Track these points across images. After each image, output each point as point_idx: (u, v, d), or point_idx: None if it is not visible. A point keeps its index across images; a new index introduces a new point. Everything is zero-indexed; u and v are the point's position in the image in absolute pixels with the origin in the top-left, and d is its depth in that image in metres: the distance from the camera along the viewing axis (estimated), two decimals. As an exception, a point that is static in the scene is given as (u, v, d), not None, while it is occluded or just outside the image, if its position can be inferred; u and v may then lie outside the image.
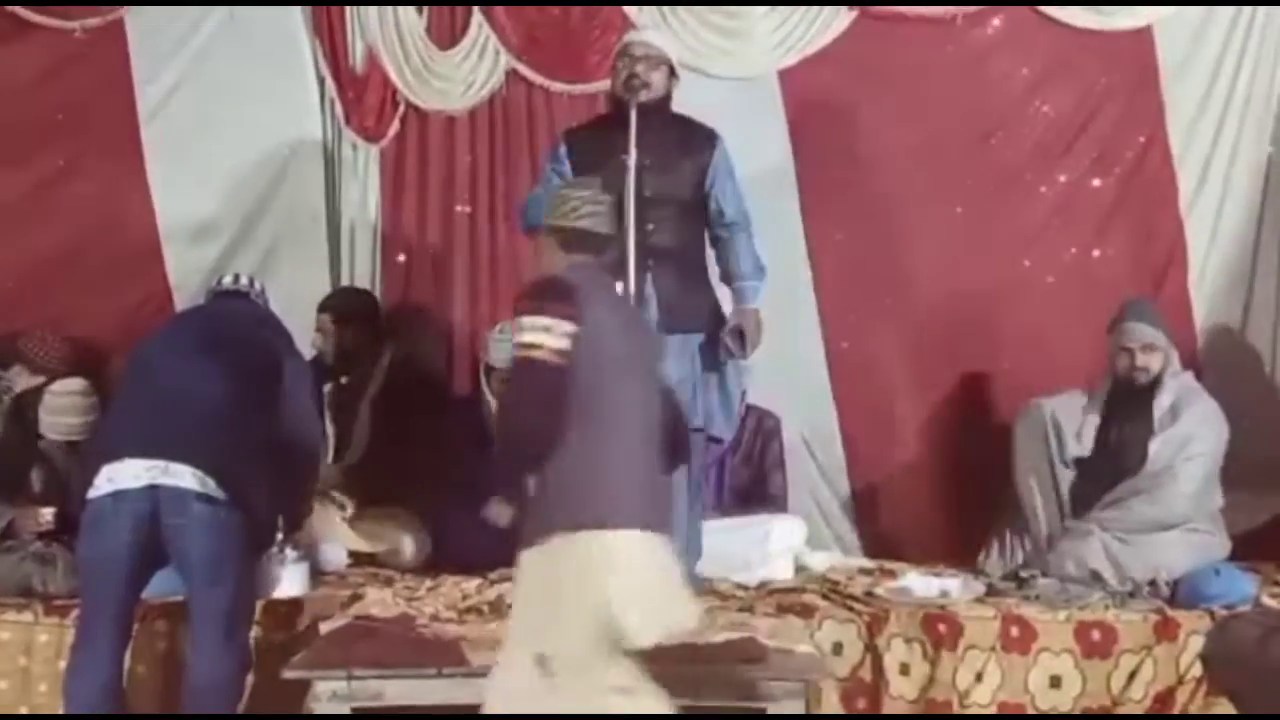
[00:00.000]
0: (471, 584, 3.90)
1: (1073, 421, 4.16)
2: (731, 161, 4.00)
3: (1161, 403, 4.06)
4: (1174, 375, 4.12)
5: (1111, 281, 4.80)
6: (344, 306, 4.67)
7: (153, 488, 3.32)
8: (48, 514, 3.92)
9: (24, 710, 3.70)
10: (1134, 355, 4.10)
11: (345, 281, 5.02)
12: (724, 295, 4.09)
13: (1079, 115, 4.83)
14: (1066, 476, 4.14)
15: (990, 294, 4.85)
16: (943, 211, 4.86)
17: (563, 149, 4.04)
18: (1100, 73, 4.82)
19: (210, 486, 3.32)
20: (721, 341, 3.85)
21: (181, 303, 4.88)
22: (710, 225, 4.00)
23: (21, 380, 4.46)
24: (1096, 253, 4.84)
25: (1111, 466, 4.09)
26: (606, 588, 2.68)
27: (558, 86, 4.97)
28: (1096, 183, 4.83)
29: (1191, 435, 4.02)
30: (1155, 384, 4.09)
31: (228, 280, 3.93)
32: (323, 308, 4.63)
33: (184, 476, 3.31)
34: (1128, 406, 4.13)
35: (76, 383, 4.04)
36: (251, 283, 3.93)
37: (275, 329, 3.78)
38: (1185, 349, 4.74)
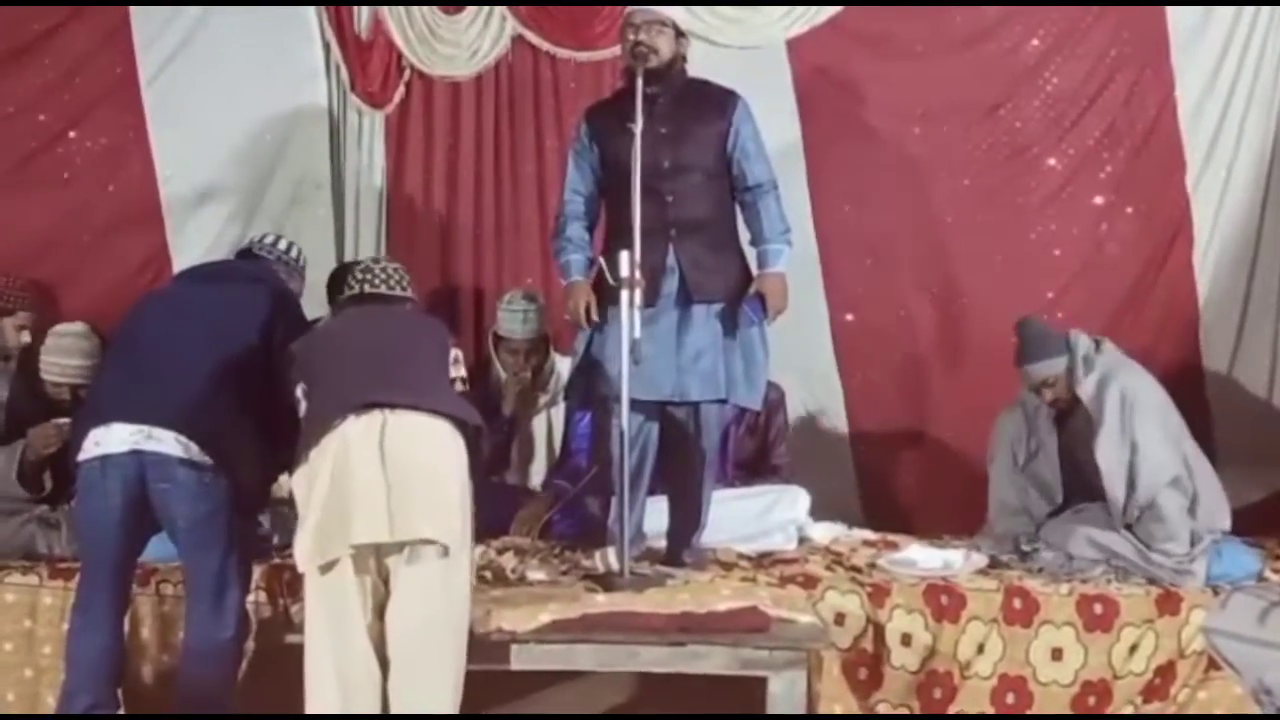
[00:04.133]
0: (475, 550, 3.89)
1: (1024, 429, 4.17)
2: (754, 122, 3.91)
3: (1090, 407, 3.95)
4: (1086, 376, 3.96)
5: (1118, 255, 4.82)
6: None
7: (137, 452, 3.32)
8: (61, 424, 3.78)
9: (29, 672, 3.71)
10: (1039, 394, 4.07)
11: (350, 249, 5.01)
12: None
13: (1088, 88, 4.82)
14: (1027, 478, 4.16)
15: (997, 267, 4.85)
16: (951, 183, 4.86)
17: (584, 127, 4.00)
18: (1110, 45, 4.81)
19: (193, 451, 3.32)
20: (741, 308, 3.81)
21: (183, 268, 4.85)
22: (735, 189, 3.92)
23: None
24: (1104, 226, 4.85)
25: (1077, 479, 4.06)
26: None
27: (563, 53, 4.95)
28: (1105, 156, 4.82)
29: (1158, 460, 3.87)
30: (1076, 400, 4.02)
31: (248, 240, 3.95)
32: None
33: (167, 441, 3.31)
34: (1064, 415, 4.09)
35: (77, 325, 4.01)
36: (276, 241, 3.94)
37: (273, 287, 3.73)
38: (1188, 322, 4.75)
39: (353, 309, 3.61)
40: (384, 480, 3.07)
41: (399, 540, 3.09)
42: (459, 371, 3.42)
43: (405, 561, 3.11)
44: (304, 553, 3.13)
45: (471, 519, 3.21)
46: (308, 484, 3.14)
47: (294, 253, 4.00)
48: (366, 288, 3.62)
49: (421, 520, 3.08)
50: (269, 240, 3.97)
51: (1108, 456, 3.90)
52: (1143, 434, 3.88)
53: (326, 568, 3.13)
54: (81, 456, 3.38)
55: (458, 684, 3.14)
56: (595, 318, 3.81)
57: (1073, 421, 4.06)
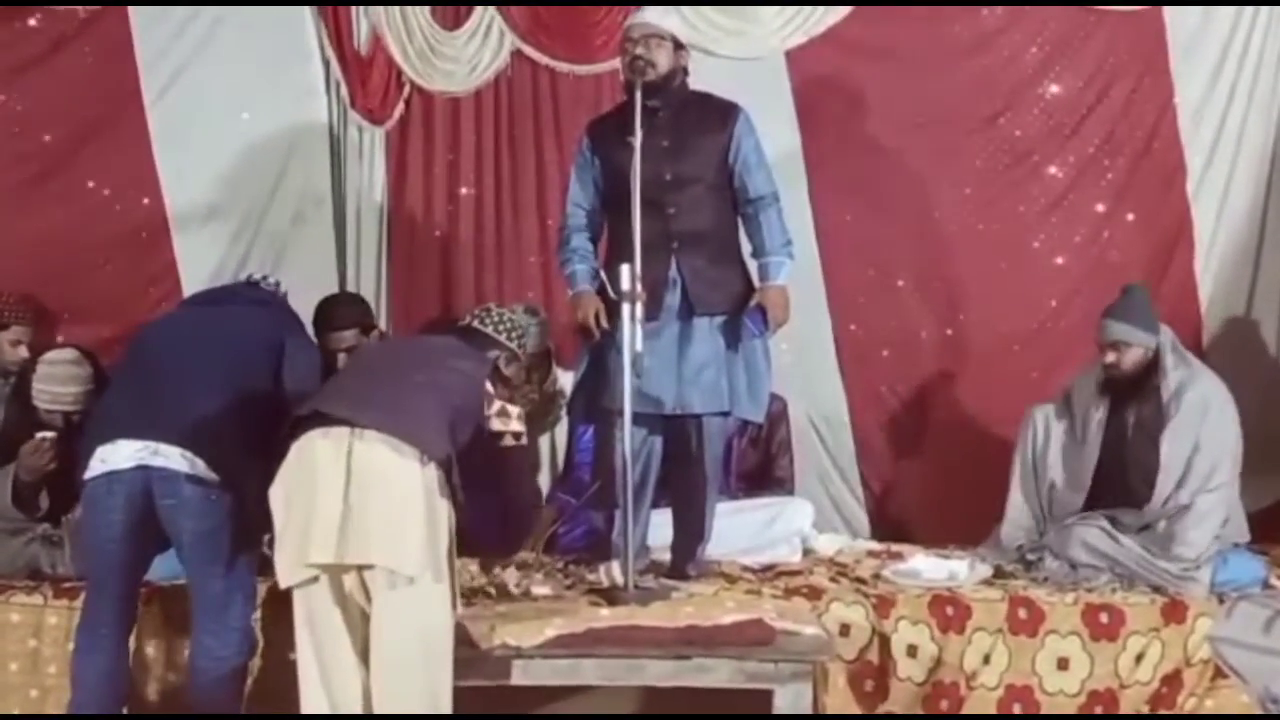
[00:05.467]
0: (477, 567, 3.90)
1: (1054, 453, 4.17)
2: (755, 134, 3.91)
3: (1168, 399, 3.98)
4: (1175, 369, 4.01)
5: (1120, 262, 4.82)
6: (363, 315, 4.41)
7: (144, 468, 3.32)
8: (49, 436, 3.80)
9: (34, 692, 3.72)
10: (1104, 352, 4.08)
11: (351, 265, 5.01)
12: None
13: (1088, 95, 4.82)
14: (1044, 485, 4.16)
15: (999, 275, 4.85)
16: (952, 193, 4.86)
17: (585, 141, 4.01)
18: (1109, 53, 4.82)
19: (199, 468, 3.33)
20: (742, 321, 3.81)
21: (189, 286, 4.87)
22: (736, 202, 3.92)
23: None
24: (1106, 233, 4.85)
25: (1123, 464, 4.06)
26: None
27: (563, 67, 4.96)
28: (1105, 163, 4.83)
29: (1214, 465, 3.92)
30: (1151, 374, 4.03)
31: (244, 276, 3.97)
32: (344, 324, 4.27)
33: (173, 458, 3.32)
34: (1130, 399, 4.08)
35: (69, 352, 4.00)
36: (265, 279, 3.94)
37: (279, 311, 3.76)
38: (1190, 329, 4.75)
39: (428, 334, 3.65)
40: (343, 503, 3.06)
41: (346, 564, 3.09)
42: (506, 426, 3.39)
43: (377, 584, 3.10)
44: (279, 571, 3.17)
45: (448, 545, 3.18)
46: (284, 501, 3.15)
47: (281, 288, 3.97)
48: (468, 319, 3.72)
49: (375, 545, 3.07)
50: (272, 280, 3.94)
51: (1173, 448, 3.91)
52: (1208, 437, 3.90)
53: (307, 585, 3.14)
54: (88, 475, 3.39)
55: (433, 705, 3.12)
56: (605, 325, 3.80)
57: (1132, 411, 4.06)
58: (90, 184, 5.01)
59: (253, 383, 3.45)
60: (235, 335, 3.55)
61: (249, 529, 3.43)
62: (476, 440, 3.34)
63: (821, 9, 4.81)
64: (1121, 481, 4.03)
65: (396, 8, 4.94)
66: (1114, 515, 3.99)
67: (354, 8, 4.99)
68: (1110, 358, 4.05)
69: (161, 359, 3.51)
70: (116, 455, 3.35)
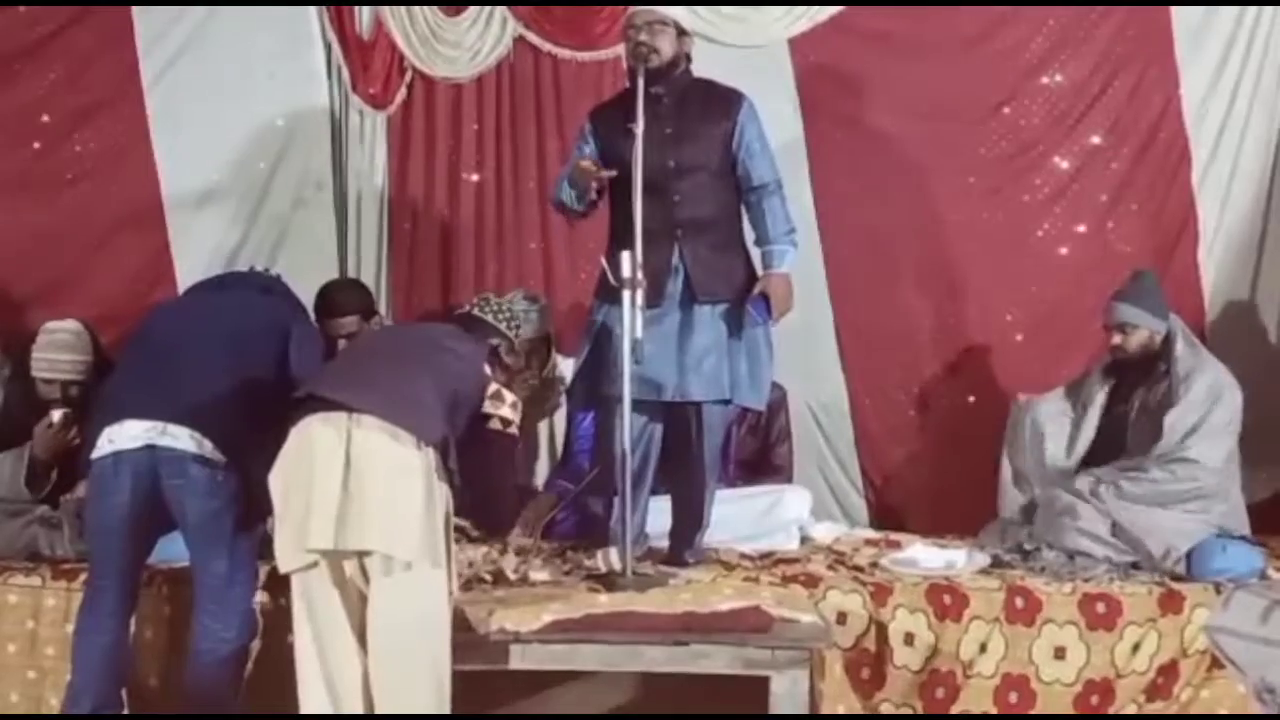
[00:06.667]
0: (478, 553, 3.90)
1: (1055, 425, 4.17)
2: (759, 121, 3.90)
3: (1178, 383, 4.01)
4: (1187, 356, 4.04)
5: (1124, 252, 4.81)
6: (364, 301, 4.42)
7: (151, 448, 3.34)
8: (66, 412, 3.84)
9: (32, 673, 3.72)
10: (1111, 333, 4.09)
11: (352, 250, 5.00)
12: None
13: (1092, 85, 4.81)
14: (1047, 474, 4.15)
15: (1002, 265, 4.84)
16: (955, 181, 4.85)
17: (588, 127, 4.01)
18: (1114, 43, 4.80)
19: (207, 449, 3.34)
20: (745, 308, 3.81)
21: (183, 271, 4.87)
22: (740, 190, 3.92)
23: None
24: (1110, 224, 4.84)
25: (1121, 440, 4.07)
26: None
27: (565, 54, 4.95)
28: (1110, 153, 4.82)
29: (1203, 417, 3.97)
30: (1157, 360, 4.06)
31: (242, 265, 4.01)
32: (345, 310, 4.28)
33: (181, 438, 3.34)
34: (1135, 382, 4.10)
35: (70, 323, 4.03)
36: (267, 270, 3.97)
37: (283, 296, 3.78)
38: (1194, 318, 4.75)
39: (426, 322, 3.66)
40: (341, 489, 3.07)
41: (344, 550, 3.10)
42: (496, 409, 3.39)
43: (375, 569, 3.11)
44: (279, 556, 3.18)
45: (446, 529, 3.19)
46: (283, 487, 3.16)
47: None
48: (467, 306, 3.74)
49: (373, 532, 3.08)
50: (274, 273, 3.96)
51: (1174, 421, 3.94)
52: (1214, 420, 3.94)
53: (306, 570, 3.15)
54: (94, 455, 3.40)
55: (435, 689, 3.13)
56: (604, 178, 3.78)
57: (1138, 395, 4.07)
58: (88, 167, 5.00)
59: (259, 367, 3.47)
60: (242, 320, 3.57)
61: (253, 511, 3.44)
62: (470, 423, 3.36)
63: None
64: (1116, 458, 4.03)
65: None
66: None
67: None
68: (1116, 339, 4.08)
69: (169, 342, 3.53)
70: (124, 435, 3.36)
